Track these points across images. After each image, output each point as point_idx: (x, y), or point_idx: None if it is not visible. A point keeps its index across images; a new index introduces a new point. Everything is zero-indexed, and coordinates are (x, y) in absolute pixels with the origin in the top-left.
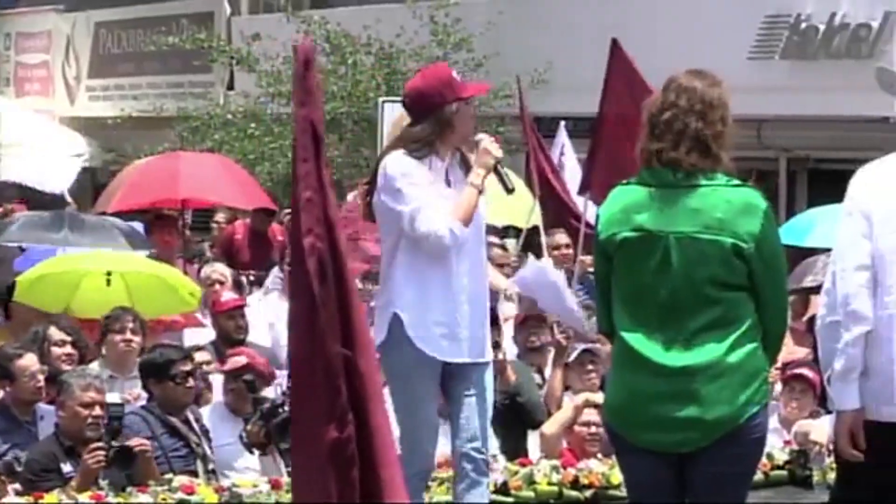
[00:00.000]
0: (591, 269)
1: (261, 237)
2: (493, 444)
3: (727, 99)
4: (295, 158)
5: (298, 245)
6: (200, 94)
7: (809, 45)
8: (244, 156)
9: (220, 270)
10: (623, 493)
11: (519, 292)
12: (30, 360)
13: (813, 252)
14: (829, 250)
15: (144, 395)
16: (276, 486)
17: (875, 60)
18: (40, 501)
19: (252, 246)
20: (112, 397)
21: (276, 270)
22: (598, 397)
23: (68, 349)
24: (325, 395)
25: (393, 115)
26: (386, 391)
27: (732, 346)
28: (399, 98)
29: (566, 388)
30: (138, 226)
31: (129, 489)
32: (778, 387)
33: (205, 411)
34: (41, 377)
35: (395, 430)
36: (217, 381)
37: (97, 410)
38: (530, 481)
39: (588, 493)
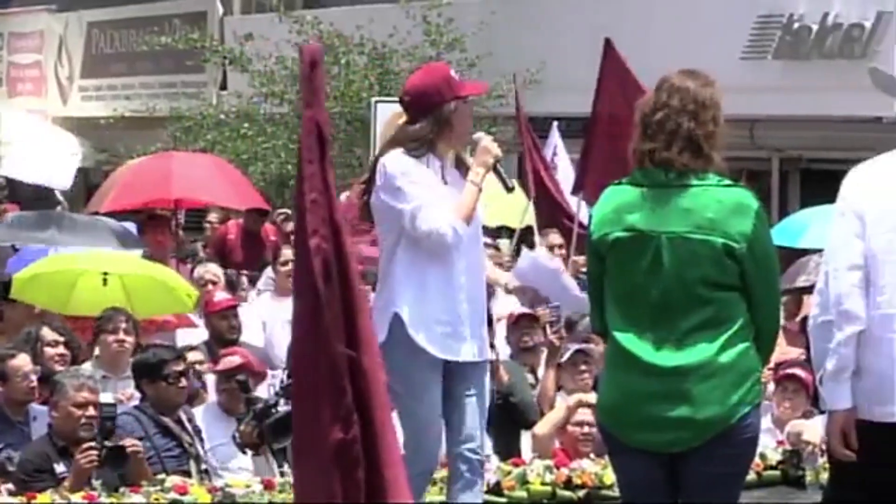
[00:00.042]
0: (584, 270)
1: (253, 237)
2: (487, 444)
3: (719, 99)
4: (300, 159)
5: (304, 246)
6: (193, 94)
7: (802, 46)
8: (237, 156)
9: (212, 271)
10: (616, 493)
11: (519, 285)
12: (22, 361)
13: (806, 252)
14: (822, 251)
15: (137, 395)
16: (268, 486)
17: (868, 60)
18: (33, 502)
19: (245, 246)
20: (105, 397)
21: (268, 271)
22: (591, 398)
23: (61, 349)
24: (329, 395)
25: (386, 116)
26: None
27: (724, 346)
28: (392, 98)
29: (559, 388)
30: (131, 226)
31: (121, 489)
32: (771, 387)
33: (198, 411)
34: (34, 377)
35: (399, 430)
36: (211, 380)
37: (90, 411)
38: (523, 481)
39: (581, 493)
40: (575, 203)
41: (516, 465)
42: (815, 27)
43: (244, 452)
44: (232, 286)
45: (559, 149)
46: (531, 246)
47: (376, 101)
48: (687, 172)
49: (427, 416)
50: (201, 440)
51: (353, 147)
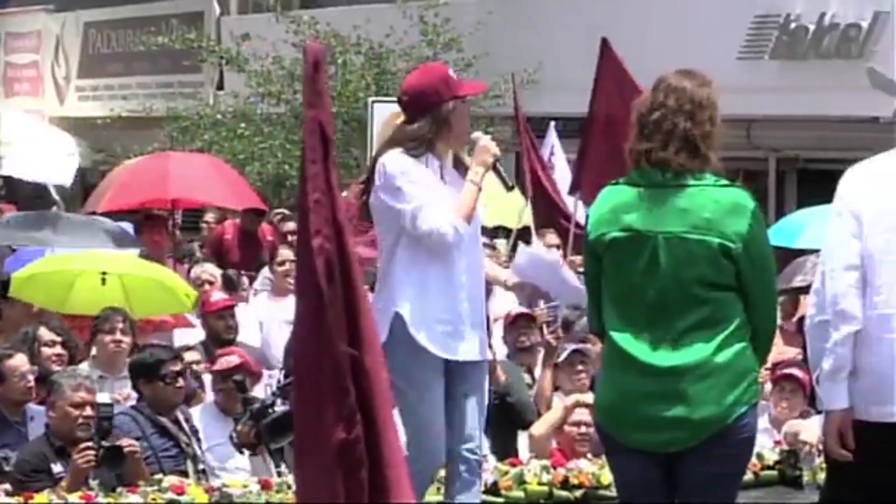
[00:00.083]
0: (581, 270)
1: (250, 237)
2: (484, 444)
3: (716, 99)
4: (303, 159)
5: (307, 246)
6: (190, 94)
7: (799, 46)
8: (234, 156)
9: (209, 271)
10: (613, 493)
11: (518, 281)
12: (20, 361)
13: (803, 253)
14: (819, 251)
15: (134, 395)
16: (266, 486)
17: (865, 60)
18: (30, 502)
19: (242, 246)
20: (102, 397)
21: (265, 271)
22: (588, 398)
23: (58, 349)
24: (332, 395)
25: (383, 116)
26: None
27: (720, 346)
28: (389, 98)
29: (556, 388)
30: (128, 226)
31: (118, 489)
32: (768, 387)
33: (195, 411)
34: (31, 377)
35: (401, 429)
36: (209, 380)
37: (87, 411)
38: (520, 481)
39: (578, 493)
40: (572, 203)
41: (513, 465)
42: (811, 27)
43: (241, 452)
44: (233, 286)
45: (556, 149)
46: (528, 245)
47: (373, 101)
48: (684, 172)
49: (429, 415)
50: (198, 440)
51: (350, 147)
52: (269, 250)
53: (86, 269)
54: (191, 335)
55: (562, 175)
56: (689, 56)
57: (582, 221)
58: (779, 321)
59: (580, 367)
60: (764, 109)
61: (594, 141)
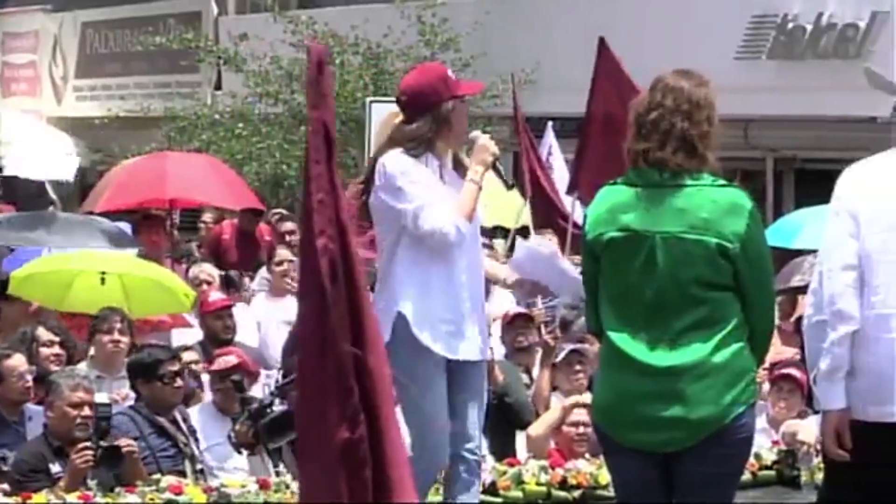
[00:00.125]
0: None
1: (248, 237)
2: (483, 444)
3: (714, 99)
4: (307, 159)
5: (310, 246)
6: (188, 94)
7: (796, 45)
8: (232, 156)
9: (207, 271)
10: (611, 493)
11: (518, 279)
12: (18, 361)
13: (800, 253)
14: (816, 252)
15: (132, 395)
16: (264, 486)
17: (862, 60)
18: (28, 502)
19: (239, 246)
20: (100, 397)
21: (263, 271)
22: (586, 398)
23: (56, 349)
24: (336, 395)
25: (380, 116)
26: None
27: (718, 346)
28: (387, 98)
29: (554, 388)
30: (126, 226)
31: (117, 489)
32: (766, 387)
33: (193, 411)
34: (29, 377)
35: (404, 428)
36: (207, 380)
37: (86, 411)
38: (519, 481)
39: (576, 493)
40: (570, 203)
41: (511, 465)
42: (809, 27)
43: (239, 452)
44: (234, 286)
45: (554, 149)
46: None
47: (371, 102)
48: (681, 172)
49: (432, 409)
50: (196, 440)
51: (348, 147)
52: (266, 250)
53: (84, 268)
54: (189, 335)
55: (559, 175)
56: (686, 56)
57: (580, 221)
58: (777, 321)
59: (578, 367)
60: (761, 109)
61: (592, 141)
